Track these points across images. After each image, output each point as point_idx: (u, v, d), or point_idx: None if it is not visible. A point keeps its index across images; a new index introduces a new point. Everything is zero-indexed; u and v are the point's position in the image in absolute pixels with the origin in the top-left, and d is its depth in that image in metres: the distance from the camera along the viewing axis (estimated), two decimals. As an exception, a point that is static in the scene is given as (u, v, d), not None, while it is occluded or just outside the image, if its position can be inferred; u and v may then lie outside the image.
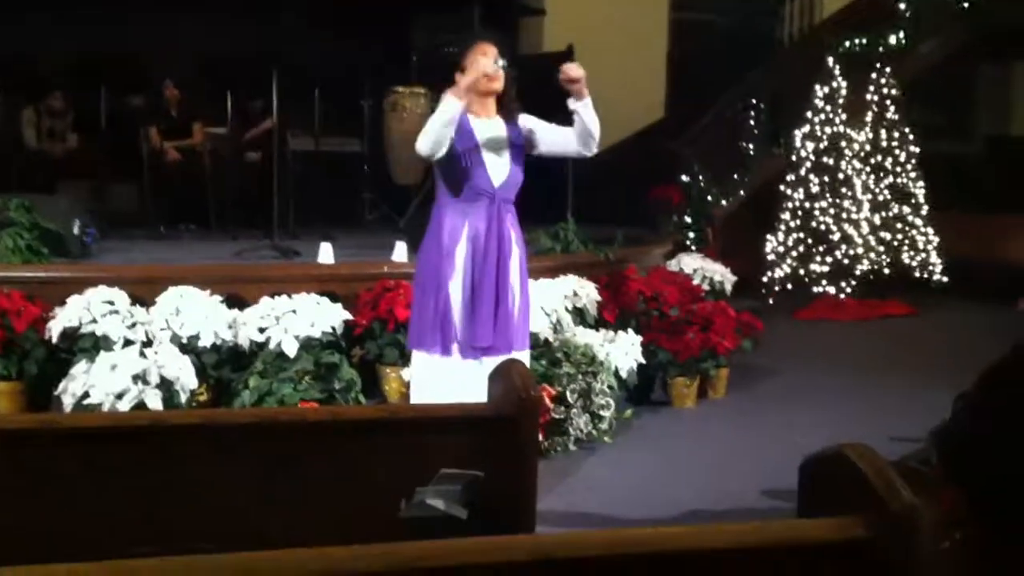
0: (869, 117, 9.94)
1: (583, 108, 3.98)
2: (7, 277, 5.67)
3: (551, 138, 4.15)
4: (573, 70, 3.89)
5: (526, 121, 4.15)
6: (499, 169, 4.07)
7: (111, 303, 5.28)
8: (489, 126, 4.09)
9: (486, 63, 3.94)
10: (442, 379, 4.05)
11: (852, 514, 1.82)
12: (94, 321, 5.17)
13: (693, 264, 7.96)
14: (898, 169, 10.01)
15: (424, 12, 10.58)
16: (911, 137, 10.09)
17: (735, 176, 10.23)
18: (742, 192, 10.20)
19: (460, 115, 3.91)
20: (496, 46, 4.06)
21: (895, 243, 9.90)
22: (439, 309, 4.04)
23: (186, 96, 9.29)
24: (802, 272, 9.61)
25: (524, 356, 4.22)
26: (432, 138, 3.90)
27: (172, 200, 8.90)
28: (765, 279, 9.55)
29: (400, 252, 6.46)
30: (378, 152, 9.20)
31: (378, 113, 9.22)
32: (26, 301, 5.43)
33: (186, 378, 4.90)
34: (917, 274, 9.98)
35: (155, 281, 5.66)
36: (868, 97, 9.98)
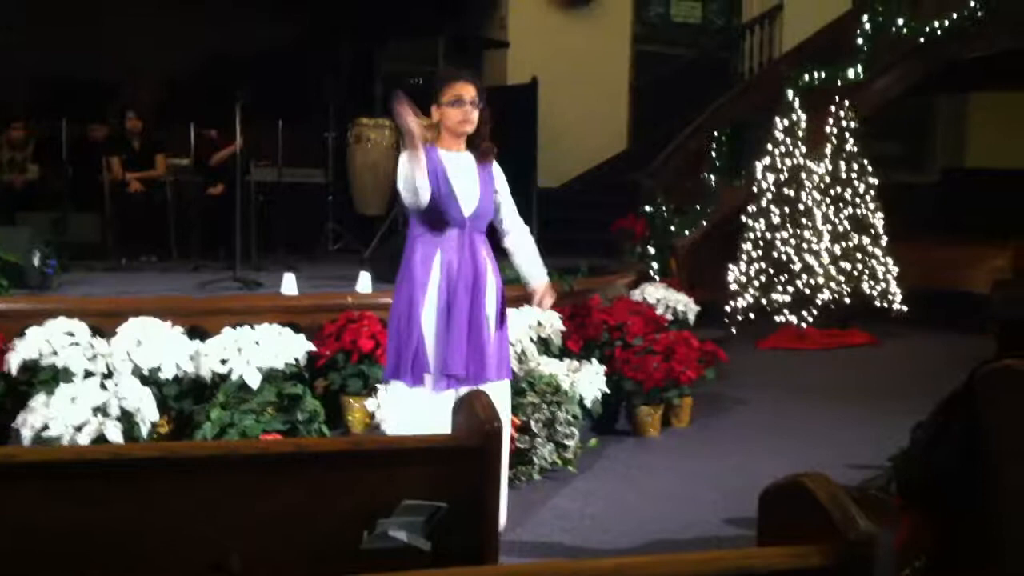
0: (828, 149, 10.08)
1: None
2: (-35, 309, 5.60)
3: (499, 215, 4.32)
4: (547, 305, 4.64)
5: (499, 177, 4.27)
6: (469, 200, 4.12)
7: (71, 335, 5.22)
8: (459, 158, 4.16)
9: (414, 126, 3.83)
10: (417, 410, 4.05)
11: (810, 543, 1.84)
12: (54, 353, 5.11)
13: (656, 294, 7.97)
14: (857, 200, 10.14)
15: (390, 44, 10.61)
16: (870, 169, 10.23)
17: (697, 207, 10.31)
18: (704, 223, 10.28)
19: (428, 152, 3.97)
20: (473, 84, 4.11)
21: (855, 273, 10.00)
22: (413, 340, 4.05)
23: (148, 127, 9.26)
24: (764, 302, 9.68)
25: (504, 386, 4.23)
26: (410, 192, 3.96)
27: (134, 231, 8.85)
28: (728, 308, 9.62)
29: (364, 283, 6.44)
30: (342, 183, 9.22)
31: (342, 144, 9.24)
32: (-15, 333, 5.37)
33: (147, 410, 4.84)
34: (877, 303, 10.09)
35: (116, 313, 5.59)
36: (827, 129, 10.12)
